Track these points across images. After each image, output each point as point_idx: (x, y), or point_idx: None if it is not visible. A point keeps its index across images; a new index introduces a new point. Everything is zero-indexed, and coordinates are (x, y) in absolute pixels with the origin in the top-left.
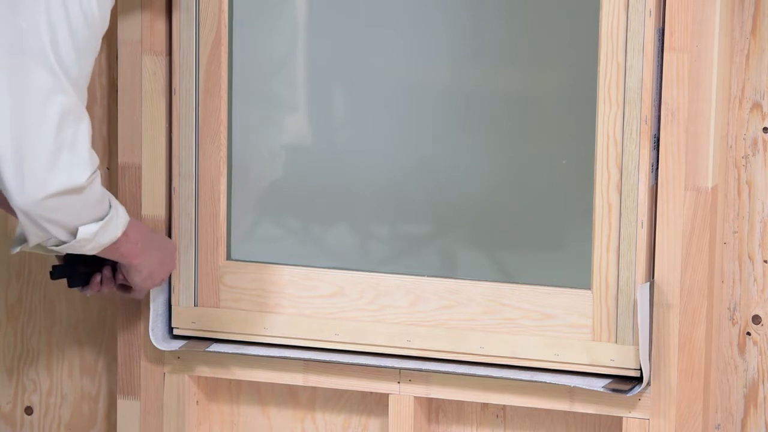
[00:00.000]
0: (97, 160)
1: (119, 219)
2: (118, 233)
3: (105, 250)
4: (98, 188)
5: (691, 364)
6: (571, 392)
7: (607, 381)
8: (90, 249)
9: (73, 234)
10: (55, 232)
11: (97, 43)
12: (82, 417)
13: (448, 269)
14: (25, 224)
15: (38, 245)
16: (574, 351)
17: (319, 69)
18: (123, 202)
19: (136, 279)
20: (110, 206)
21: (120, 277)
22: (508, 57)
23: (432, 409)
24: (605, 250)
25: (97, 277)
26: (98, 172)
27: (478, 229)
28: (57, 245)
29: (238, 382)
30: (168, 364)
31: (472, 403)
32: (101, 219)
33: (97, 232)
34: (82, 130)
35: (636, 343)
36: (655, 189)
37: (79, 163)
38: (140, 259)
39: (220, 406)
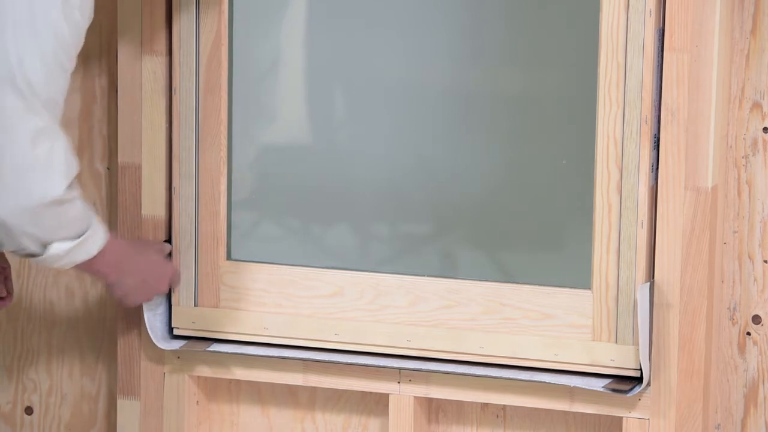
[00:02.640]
0: (74, 171)
1: (96, 239)
2: (93, 252)
3: (78, 266)
4: (79, 206)
5: (691, 364)
6: (571, 392)
7: (607, 381)
8: (62, 264)
9: (45, 248)
10: (27, 244)
11: (70, 63)
12: (82, 417)
13: (448, 269)
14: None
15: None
16: (574, 351)
17: (319, 69)
18: (123, 202)
19: (114, 295)
20: (89, 226)
21: None
22: (508, 57)
23: (432, 409)
24: (605, 250)
25: None
26: (79, 191)
27: (478, 229)
28: (28, 256)
29: (238, 382)
30: (168, 363)
31: (472, 403)
32: (77, 237)
33: (69, 251)
34: (57, 146)
35: (636, 343)
36: (655, 189)
37: (54, 175)
38: (114, 279)
39: (220, 406)
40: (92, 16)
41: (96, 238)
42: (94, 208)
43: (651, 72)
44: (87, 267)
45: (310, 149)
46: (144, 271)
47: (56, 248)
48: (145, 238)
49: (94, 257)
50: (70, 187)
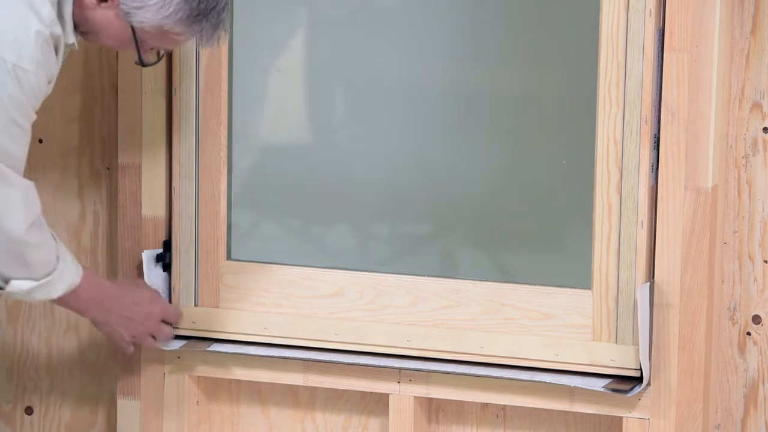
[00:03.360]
0: (33, 215)
1: (60, 284)
2: (53, 296)
3: (53, 302)
4: (45, 252)
5: (691, 364)
6: (571, 392)
7: (607, 381)
8: (26, 299)
9: (7, 282)
10: None
11: (26, 119)
12: (82, 417)
13: (448, 269)
14: None
15: None
16: (574, 351)
17: (319, 69)
18: (123, 202)
19: (100, 332)
20: (54, 270)
21: None
22: (508, 57)
23: (432, 409)
24: (605, 250)
25: None
26: (52, 242)
27: (478, 229)
28: None
29: (238, 382)
30: (168, 363)
31: (472, 403)
32: (38, 279)
33: (29, 291)
34: (13, 192)
35: (636, 343)
36: (655, 189)
37: (11, 219)
38: (94, 316)
39: (220, 406)
40: (54, 76)
41: (60, 284)
42: (72, 254)
43: (651, 72)
44: (61, 304)
45: (310, 149)
46: (129, 309)
47: (16, 285)
48: (140, 280)
49: (66, 295)
50: (33, 229)
